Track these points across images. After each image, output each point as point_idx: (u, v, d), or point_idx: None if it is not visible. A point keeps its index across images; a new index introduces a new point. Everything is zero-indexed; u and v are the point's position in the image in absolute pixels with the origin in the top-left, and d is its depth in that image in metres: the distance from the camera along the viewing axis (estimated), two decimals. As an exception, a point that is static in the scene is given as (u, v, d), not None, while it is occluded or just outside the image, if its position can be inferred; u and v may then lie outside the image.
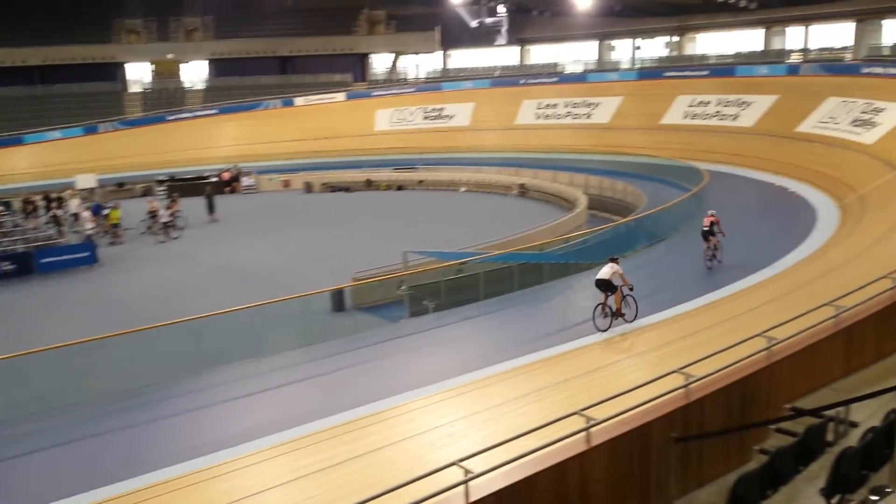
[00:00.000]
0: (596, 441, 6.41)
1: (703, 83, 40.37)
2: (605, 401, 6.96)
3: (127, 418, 11.70)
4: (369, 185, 38.93)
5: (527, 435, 6.60)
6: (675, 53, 45.61)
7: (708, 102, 38.71)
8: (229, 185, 39.12)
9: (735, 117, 36.89)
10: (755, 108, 36.35)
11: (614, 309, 13.29)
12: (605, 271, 13.26)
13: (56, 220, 27.90)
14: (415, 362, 13.41)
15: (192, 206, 30.37)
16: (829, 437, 6.78)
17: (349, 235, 27.64)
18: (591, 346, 12.78)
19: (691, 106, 39.33)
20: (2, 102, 45.92)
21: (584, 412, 6.54)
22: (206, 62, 52.25)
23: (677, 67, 43.19)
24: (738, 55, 41.72)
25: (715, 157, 31.72)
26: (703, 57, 43.52)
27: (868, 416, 6.92)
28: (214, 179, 38.78)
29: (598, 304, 13.37)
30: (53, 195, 33.38)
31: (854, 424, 6.93)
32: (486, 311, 16.29)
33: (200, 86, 52.00)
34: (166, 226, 27.95)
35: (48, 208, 30.91)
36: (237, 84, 50.57)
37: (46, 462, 10.43)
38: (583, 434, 6.42)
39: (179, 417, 11.72)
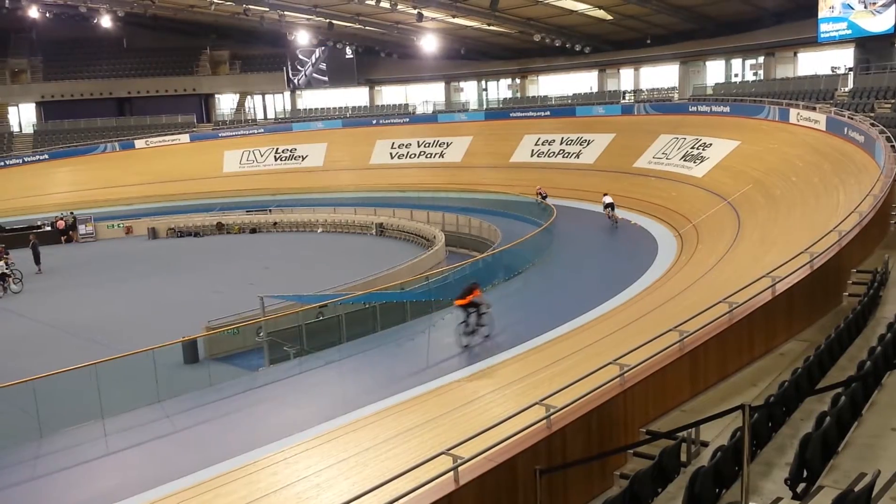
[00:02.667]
0: (464, 480, 6.38)
1: (546, 123, 42.31)
2: (470, 438, 6.95)
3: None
4: (220, 228, 37.64)
5: (395, 480, 6.48)
6: (518, 95, 47.62)
7: (552, 141, 40.58)
8: (65, 233, 36.56)
9: (577, 155, 38.88)
10: (595, 145, 38.49)
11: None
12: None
13: None
14: (277, 411, 12.96)
15: (21, 259, 28.10)
16: (683, 457, 7.11)
17: (201, 282, 26.50)
18: (455, 383, 12.87)
19: (537, 144, 41.08)
20: None
21: (450, 451, 6.51)
22: (35, 105, 48.95)
23: (521, 108, 45.07)
24: (576, 96, 44.16)
25: (561, 193, 33.19)
26: (545, 98, 45.72)
27: (716, 435, 7.33)
28: (47, 228, 36.15)
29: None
30: None
31: (705, 444, 7.31)
32: (350, 354, 16.08)
33: (29, 130, 48.61)
34: (2, 277, 25.65)
35: None
36: (71, 127, 47.72)
37: None
38: (450, 474, 6.38)
39: (16, 488, 10.70)
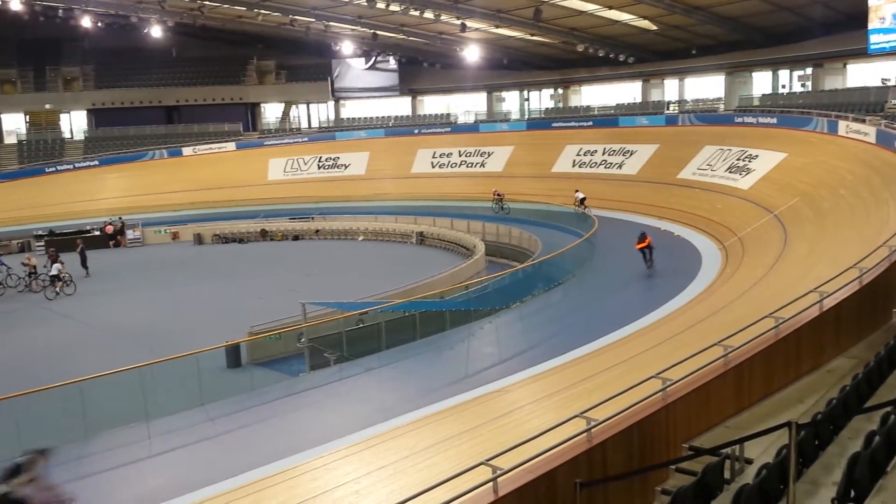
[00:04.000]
0: (503, 491, 6.35)
1: (588, 133, 42.11)
2: (510, 449, 6.93)
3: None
4: (264, 235, 38.15)
5: (434, 489, 6.49)
6: (560, 105, 47.48)
7: (594, 151, 40.35)
8: (114, 238, 37.42)
9: (620, 165, 38.59)
10: (638, 156, 38.17)
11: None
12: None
13: None
14: (317, 417, 13.07)
15: (69, 262, 28.81)
16: (727, 474, 6.99)
17: (244, 288, 26.86)
18: (495, 393, 12.83)
19: (579, 155, 40.89)
20: None
21: (490, 462, 6.49)
22: (87, 112, 50.29)
23: (564, 118, 44.91)
24: (619, 106, 43.87)
25: (603, 204, 32.96)
26: (588, 108, 45.51)
27: (761, 452, 7.19)
28: (96, 233, 37.05)
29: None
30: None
31: (749, 461, 7.18)
32: (389, 362, 16.14)
33: (81, 136, 49.94)
34: (55, 280, 26.35)
35: None
36: (120, 134, 48.89)
37: None
38: (489, 485, 6.36)
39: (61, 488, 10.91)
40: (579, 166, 40.30)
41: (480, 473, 6.48)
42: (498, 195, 36.53)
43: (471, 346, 16.31)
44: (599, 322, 16.98)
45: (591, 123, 43.02)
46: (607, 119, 42.74)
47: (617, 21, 35.23)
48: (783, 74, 38.06)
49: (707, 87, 41.31)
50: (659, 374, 7.92)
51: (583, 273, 23.03)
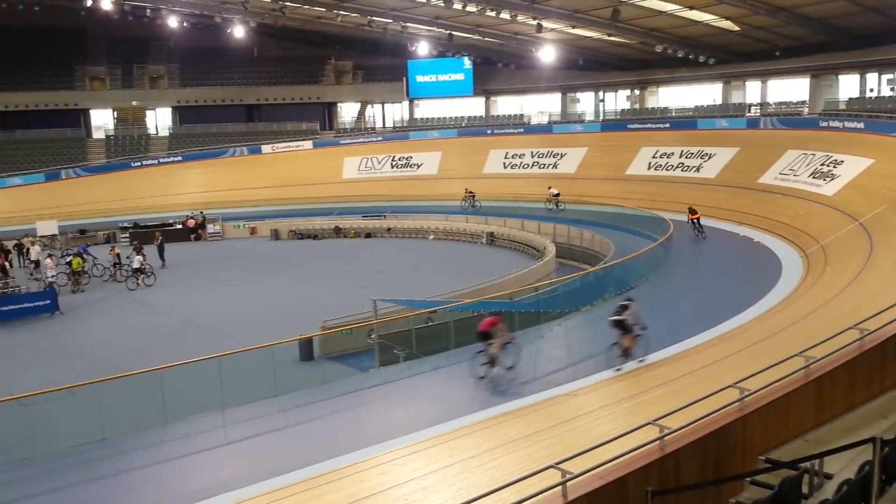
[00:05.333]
0: (572, 496, 6.29)
1: (665, 135, 41.29)
2: (580, 453, 6.88)
3: (84, 473, 11.36)
4: (338, 232, 38.81)
5: (501, 490, 6.48)
6: (637, 106, 46.69)
7: (671, 154, 39.55)
8: (195, 231, 38.70)
9: (698, 168, 37.71)
10: (717, 160, 37.21)
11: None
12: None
13: (3, 270, 27.10)
14: (386, 413, 13.21)
15: (148, 254, 29.93)
16: (805, 489, 6.75)
17: (317, 283, 27.43)
18: (563, 396, 12.72)
19: (655, 157, 40.14)
20: (-38, 148, 45.27)
21: (559, 465, 6.45)
22: (171, 109, 52.14)
23: (640, 120, 44.14)
24: (698, 108, 42.87)
25: (679, 207, 32.23)
26: (665, 110, 44.62)
27: (842, 467, 6.92)
28: (178, 226, 38.37)
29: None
30: (13, 243, 32.69)
31: (829, 476, 6.92)
32: (458, 360, 16.12)
33: (165, 133, 51.81)
34: (137, 272, 27.43)
35: (5, 256, 30.03)
36: (203, 131, 50.53)
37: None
38: (558, 489, 6.31)
39: (139, 472, 11.38)
40: (655, 169, 39.56)
41: (549, 477, 6.44)
42: (471, 193, 39.29)
43: (539, 349, 16.21)
44: (673, 328, 16.62)
45: (668, 125, 42.16)
46: (685, 121, 41.80)
47: (697, 21, 34.42)
48: (871, 78, 36.50)
49: (791, 89, 39.91)
50: (736, 383, 7.72)
51: (656, 278, 22.60)
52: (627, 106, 47.35)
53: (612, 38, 38.74)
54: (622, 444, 6.82)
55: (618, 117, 46.36)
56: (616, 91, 48.29)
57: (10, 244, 32.22)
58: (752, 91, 41.85)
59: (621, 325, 13.88)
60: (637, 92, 46.78)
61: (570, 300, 19.87)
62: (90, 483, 11.00)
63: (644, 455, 6.78)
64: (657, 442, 6.90)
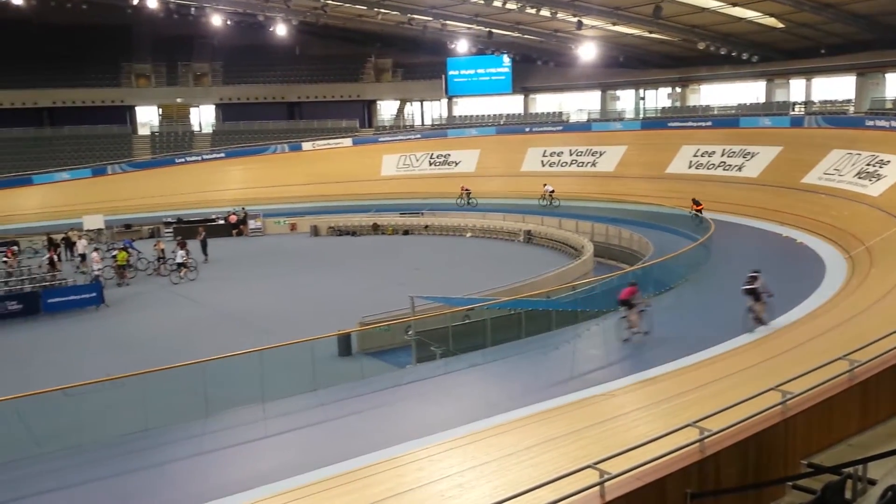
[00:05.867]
0: (610, 496, 6.27)
1: (707, 134, 40.73)
2: (618, 454, 6.86)
3: (127, 463, 11.62)
4: (375, 229, 39.07)
5: (538, 488, 6.50)
6: (678, 104, 46.14)
7: (713, 153, 39.00)
8: (237, 227, 39.28)
9: (740, 168, 37.15)
10: (759, 159, 36.62)
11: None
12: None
13: (52, 263, 27.84)
14: (423, 409, 13.30)
15: (194, 249, 30.46)
16: (848, 494, 6.65)
17: (355, 279, 27.67)
18: (601, 396, 12.67)
19: (696, 156, 39.63)
20: (12, 143, 46.57)
21: (597, 465, 6.44)
22: (214, 106, 52.96)
23: (681, 118, 43.60)
24: (740, 106, 42.20)
25: (720, 207, 31.86)
26: (707, 108, 44.01)
27: (886, 473, 6.79)
28: (220, 222, 38.98)
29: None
30: (61, 236, 33.51)
31: (872, 482, 6.80)
32: (494, 358, 16.20)
33: (208, 129, 52.65)
34: (180, 266, 27.97)
35: (54, 250, 30.78)
36: (245, 128, 51.23)
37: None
38: (596, 489, 6.30)
39: (181, 463, 11.61)
40: (696, 167, 39.07)
41: (587, 476, 6.44)
42: (466, 190, 40.51)
43: (577, 348, 16.16)
44: (713, 329, 16.44)
45: (709, 123, 41.59)
46: (727, 119, 41.18)
47: (741, 18, 33.88)
48: (922, 76, 35.60)
49: (836, 88, 39.11)
50: (778, 386, 7.62)
51: (697, 278, 22.34)
52: (668, 104, 46.81)
53: (653, 36, 38.33)
54: (661, 446, 6.79)
55: (658, 115, 45.86)
56: (657, 89, 47.76)
57: (57, 238, 33.04)
58: (796, 89, 41.08)
59: (753, 293, 15.67)
60: (678, 90, 46.22)
61: (609, 300, 19.72)
62: (134, 472, 11.25)
63: (684, 457, 6.73)
64: (697, 444, 6.85)
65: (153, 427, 12.74)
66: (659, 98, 48.00)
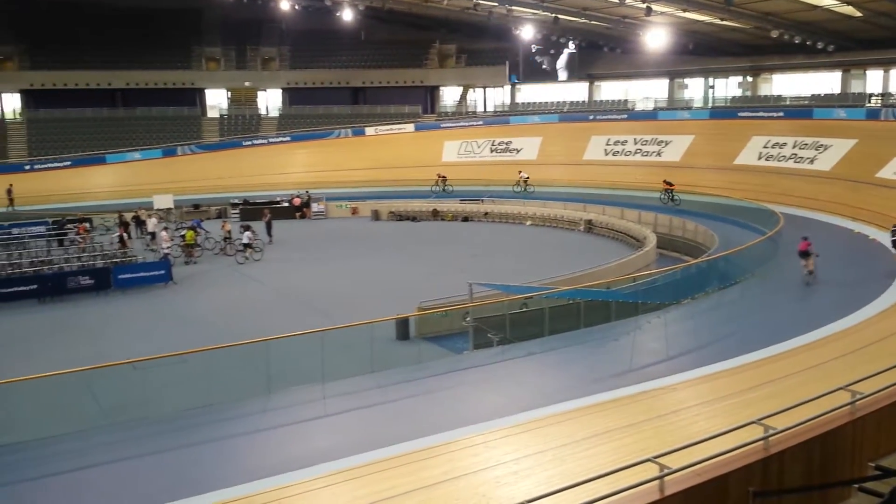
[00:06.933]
0: (669, 491, 6.21)
1: (778, 124, 39.53)
2: (678, 449, 6.77)
3: (191, 436, 11.94)
4: (435, 215, 39.20)
5: (595, 480, 6.47)
6: (748, 93, 44.87)
7: (784, 144, 37.82)
8: (300, 210, 39.92)
9: (812, 160, 35.94)
10: (833, 151, 35.35)
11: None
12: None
13: (122, 240, 28.78)
14: (479, 395, 13.33)
15: (259, 230, 31.01)
16: (919, 500, 6.42)
17: (414, 264, 27.85)
18: (661, 390, 12.48)
19: (766, 147, 38.49)
20: (87, 123, 48.21)
21: (657, 459, 6.37)
22: (281, 91, 53.79)
23: (751, 107, 42.38)
24: (814, 97, 40.79)
25: (790, 200, 30.93)
26: (779, 98, 42.70)
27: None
28: (285, 204, 39.66)
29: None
30: (131, 214, 34.57)
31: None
32: (551, 348, 16.12)
33: (275, 113, 53.55)
34: (246, 247, 28.61)
35: (125, 228, 31.77)
36: (310, 113, 51.94)
37: (108, 476, 10.67)
38: (655, 483, 6.24)
39: (244, 438, 11.88)
40: (766, 159, 37.96)
41: (645, 470, 6.38)
42: (442, 177, 41.60)
43: (636, 340, 15.94)
44: (779, 326, 16.01)
45: (781, 114, 40.31)
46: (800, 110, 39.85)
47: (817, 6, 32.70)
48: None
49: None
50: (848, 385, 7.40)
51: (764, 273, 21.75)
52: (738, 93, 45.59)
53: (724, 23, 37.31)
54: (723, 442, 6.68)
55: (728, 105, 44.69)
56: (727, 77, 46.58)
57: (128, 216, 34.12)
58: (873, 80, 39.50)
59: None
60: (749, 79, 44.98)
61: (671, 292, 19.43)
62: (196, 446, 11.58)
63: (747, 454, 6.62)
64: (761, 442, 6.72)
65: (216, 402, 13.10)
66: (729, 87, 46.79)
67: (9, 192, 39.07)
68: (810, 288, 19.90)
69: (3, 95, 48.98)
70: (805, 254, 20.21)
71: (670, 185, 35.20)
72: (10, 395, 12.39)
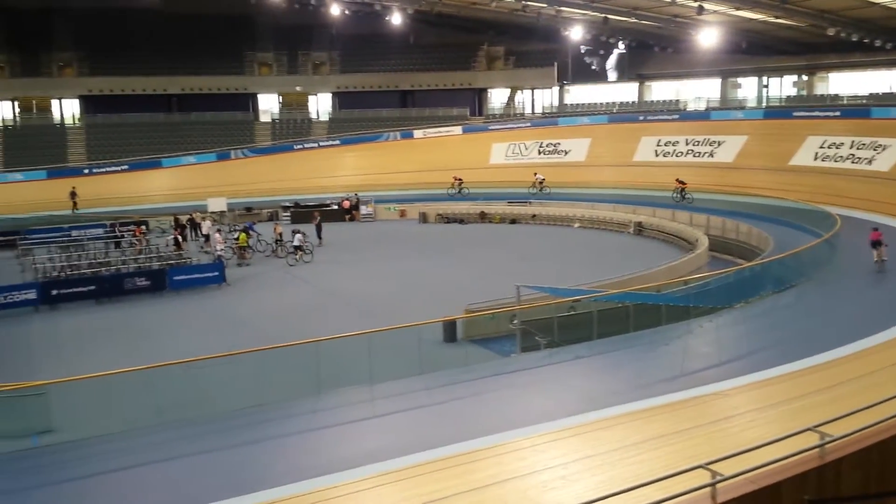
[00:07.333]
0: (721, 498, 6.12)
1: (834, 124, 38.53)
2: (730, 455, 6.67)
3: (242, 436, 12.11)
4: (483, 217, 39.19)
5: (646, 486, 6.40)
6: (804, 93, 43.82)
7: (840, 144, 36.83)
8: (349, 213, 40.33)
9: (870, 161, 34.93)
10: (891, 151, 34.29)
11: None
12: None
13: (177, 243, 29.45)
14: (526, 398, 13.27)
15: (309, 232, 31.42)
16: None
17: (462, 267, 27.89)
18: (712, 395, 12.27)
19: (822, 147, 37.54)
20: (143, 128, 49.52)
21: (709, 466, 6.28)
22: (331, 95, 54.42)
23: (807, 107, 41.44)
24: (872, 96, 39.66)
25: (848, 202, 30.09)
26: (836, 97, 41.63)
27: None
28: (334, 207, 40.11)
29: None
30: (186, 217, 35.35)
31: None
32: (600, 351, 15.96)
33: (325, 117, 54.21)
34: (297, 249, 29.03)
35: (181, 231, 32.55)
36: (360, 116, 52.44)
37: (161, 474, 10.87)
38: (707, 490, 6.15)
39: (294, 437, 12.04)
40: (822, 160, 37.03)
41: (697, 477, 6.30)
42: (457, 179, 41.93)
43: (687, 344, 15.71)
44: (836, 331, 15.59)
45: (838, 114, 39.29)
46: (858, 109, 38.79)
47: (874, 3, 31.75)
48: None
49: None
50: (908, 394, 7.18)
51: (820, 277, 21.21)
52: (793, 92, 44.58)
53: (779, 21, 36.50)
54: (778, 449, 6.56)
55: (782, 104, 43.78)
56: (781, 76, 45.62)
57: (183, 219, 34.92)
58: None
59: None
60: (805, 77, 43.98)
61: (723, 296, 19.06)
62: (247, 445, 11.75)
63: (802, 462, 6.48)
64: (817, 449, 6.57)
65: (267, 402, 13.30)
66: (783, 86, 45.76)
67: (72, 194, 40.40)
68: (868, 293, 19.36)
69: (63, 101, 50.58)
70: (877, 243, 21.10)
71: (683, 183, 36.15)
72: (68, 394, 12.78)
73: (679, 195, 36.09)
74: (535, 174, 41.74)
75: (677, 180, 36.46)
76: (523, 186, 42.11)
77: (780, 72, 45.26)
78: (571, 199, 39.26)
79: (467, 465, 9.84)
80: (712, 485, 6.08)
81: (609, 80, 55.01)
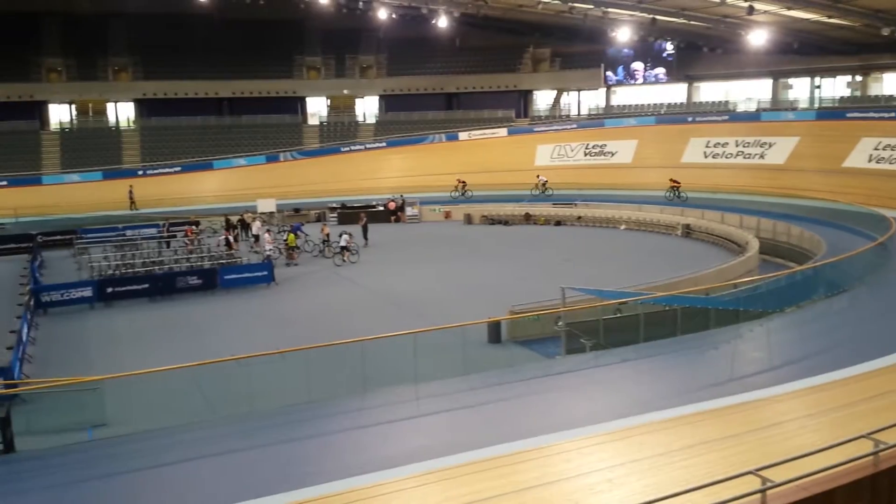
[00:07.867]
0: (771, 504, 6.06)
1: (890, 125, 37.56)
2: (781, 462, 6.58)
3: (291, 432, 12.30)
4: (528, 219, 39.10)
5: (694, 491, 6.36)
6: (858, 93, 42.73)
7: (896, 146, 35.87)
8: (395, 214, 40.62)
9: (929, 162, 33.94)
10: (953, 152, 33.28)
11: None
12: None
13: (228, 243, 30.02)
14: (571, 401, 13.22)
15: (355, 233, 31.75)
16: None
17: (506, 268, 27.88)
18: (762, 401, 12.05)
19: (877, 149, 36.58)
20: (195, 131, 50.61)
21: (759, 472, 6.21)
22: (378, 97, 54.86)
23: (861, 108, 40.44)
24: (931, 96, 38.53)
25: (902, 205, 29.30)
26: (890, 98, 40.53)
27: None
28: (380, 208, 40.44)
29: None
30: (237, 218, 36.02)
31: None
32: (647, 355, 15.80)
33: (372, 120, 54.69)
34: (343, 250, 29.37)
35: (231, 231, 33.21)
36: (406, 119, 52.80)
37: (212, 468, 11.08)
38: (757, 496, 6.09)
39: (340, 435, 12.17)
40: (876, 161, 36.09)
41: (746, 483, 6.24)
42: (461, 182, 42.37)
43: (737, 349, 15.46)
44: (890, 336, 15.17)
45: (893, 115, 38.23)
46: (914, 110, 37.71)
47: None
48: None
49: None
50: (968, 402, 6.99)
51: (875, 280, 20.68)
52: (847, 93, 43.52)
53: (832, 21, 35.67)
54: (830, 457, 6.46)
55: (835, 105, 42.80)
56: (834, 77, 44.60)
57: (234, 219, 35.60)
58: None
59: None
60: (858, 78, 42.89)
61: (774, 300, 18.71)
62: (295, 441, 11.93)
63: (855, 470, 6.37)
64: (871, 457, 6.45)
65: (315, 400, 13.49)
66: (836, 86, 44.71)
67: (130, 193, 41.54)
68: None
69: (119, 105, 51.96)
70: None
71: (676, 182, 37.57)
72: (124, 389, 13.15)
73: (673, 194, 37.29)
74: (538, 176, 42.21)
75: (671, 180, 37.70)
76: (568, 188, 41.89)
77: (832, 72, 44.24)
78: (617, 201, 38.91)
79: (511, 467, 9.84)
80: (762, 491, 6.02)
81: (658, 80, 54.32)
